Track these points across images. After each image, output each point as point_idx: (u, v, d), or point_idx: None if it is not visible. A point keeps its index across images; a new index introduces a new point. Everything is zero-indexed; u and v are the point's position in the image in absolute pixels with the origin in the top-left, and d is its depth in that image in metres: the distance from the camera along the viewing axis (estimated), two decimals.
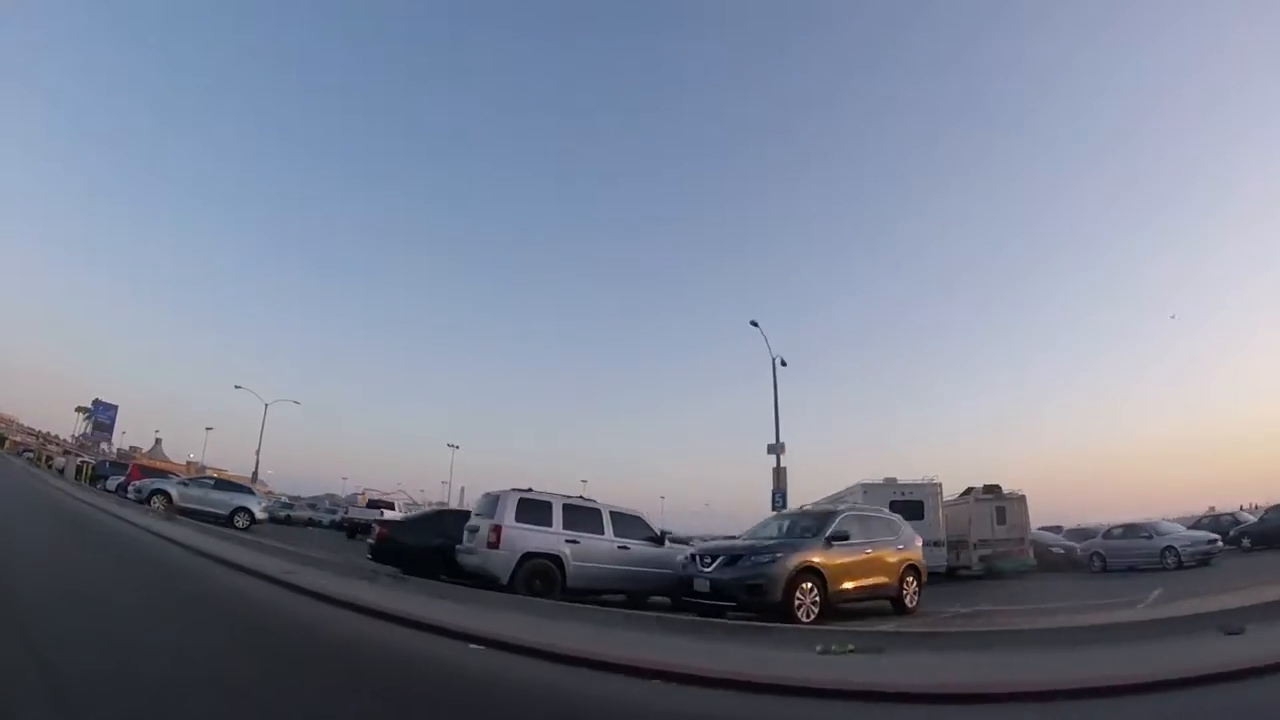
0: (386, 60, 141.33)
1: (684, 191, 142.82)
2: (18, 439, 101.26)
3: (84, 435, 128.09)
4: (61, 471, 38.96)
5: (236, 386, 48.50)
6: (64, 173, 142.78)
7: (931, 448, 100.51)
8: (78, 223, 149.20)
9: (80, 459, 37.08)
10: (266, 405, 47.08)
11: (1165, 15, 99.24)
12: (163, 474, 28.58)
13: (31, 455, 55.46)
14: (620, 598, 11.82)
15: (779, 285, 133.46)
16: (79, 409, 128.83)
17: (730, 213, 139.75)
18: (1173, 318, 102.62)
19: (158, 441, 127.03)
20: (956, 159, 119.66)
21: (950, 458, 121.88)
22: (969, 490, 20.25)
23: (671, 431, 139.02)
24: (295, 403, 51.80)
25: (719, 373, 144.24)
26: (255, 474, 46.16)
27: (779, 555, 9.66)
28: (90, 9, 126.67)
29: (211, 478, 23.78)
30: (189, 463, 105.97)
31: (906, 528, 12.33)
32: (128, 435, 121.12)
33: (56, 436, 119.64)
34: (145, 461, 42.62)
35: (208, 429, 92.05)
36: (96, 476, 31.35)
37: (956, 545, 18.94)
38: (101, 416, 39.48)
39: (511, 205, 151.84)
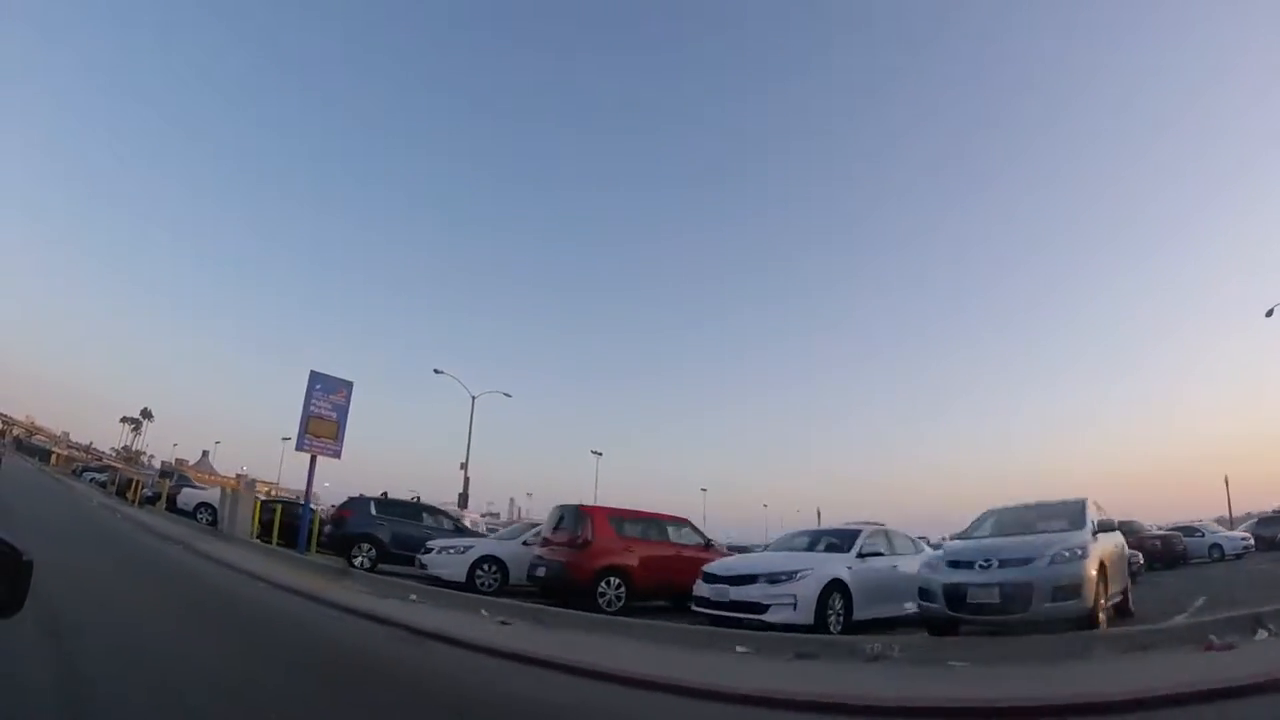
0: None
1: None
2: (63, 452, 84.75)
3: (126, 448, 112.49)
4: (196, 514, 20.79)
5: (436, 371, 32.69)
6: (71, 179, 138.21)
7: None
8: (100, 234, 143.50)
9: (258, 489, 19.28)
10: (474, 398, 30.89)
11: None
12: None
13: (101, 479, 36.96)
14: None
15: None
16: (125, 419, 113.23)
17: None
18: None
19: (205, 454, 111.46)
20: None
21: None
22: None
23: None
24: (505, 395, 35.53)
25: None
26: (464, 497, 29.55)
27: None
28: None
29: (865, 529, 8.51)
30: (238, 476, 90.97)
31: None
32: (155, 447, 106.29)
33: (99, 451, 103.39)
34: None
35: (284, 439, 73.48)
36: (352, 540, 13.51)
37: None
38: (320, 402, 15.77)
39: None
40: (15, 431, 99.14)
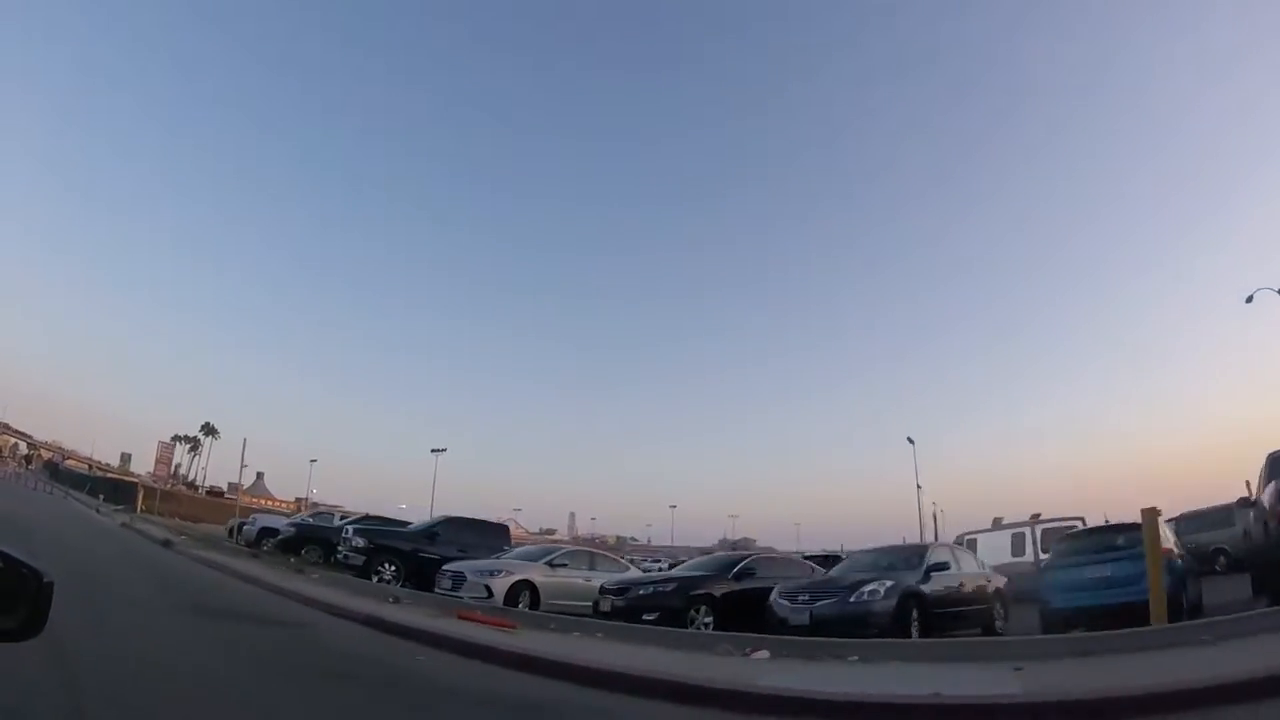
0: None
1: None
2: (163, 486, 62.54)
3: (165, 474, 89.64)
4: None
5: None
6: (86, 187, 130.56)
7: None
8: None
9: None
10: None
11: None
12: None
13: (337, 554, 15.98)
14: None
15: None
16: (178, 437, 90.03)
17: None
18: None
19: (260, 476, 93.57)
20: None
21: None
22: None
23: None
24: None
25: None
26: None
27: None
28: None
29: None
30: (298, 500, 72.66)
31: None
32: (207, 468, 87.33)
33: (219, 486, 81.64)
34: None
35: (437, 450, 54.38)
36: None
37: None
38: None
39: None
40: (45, 455, 75.58)
